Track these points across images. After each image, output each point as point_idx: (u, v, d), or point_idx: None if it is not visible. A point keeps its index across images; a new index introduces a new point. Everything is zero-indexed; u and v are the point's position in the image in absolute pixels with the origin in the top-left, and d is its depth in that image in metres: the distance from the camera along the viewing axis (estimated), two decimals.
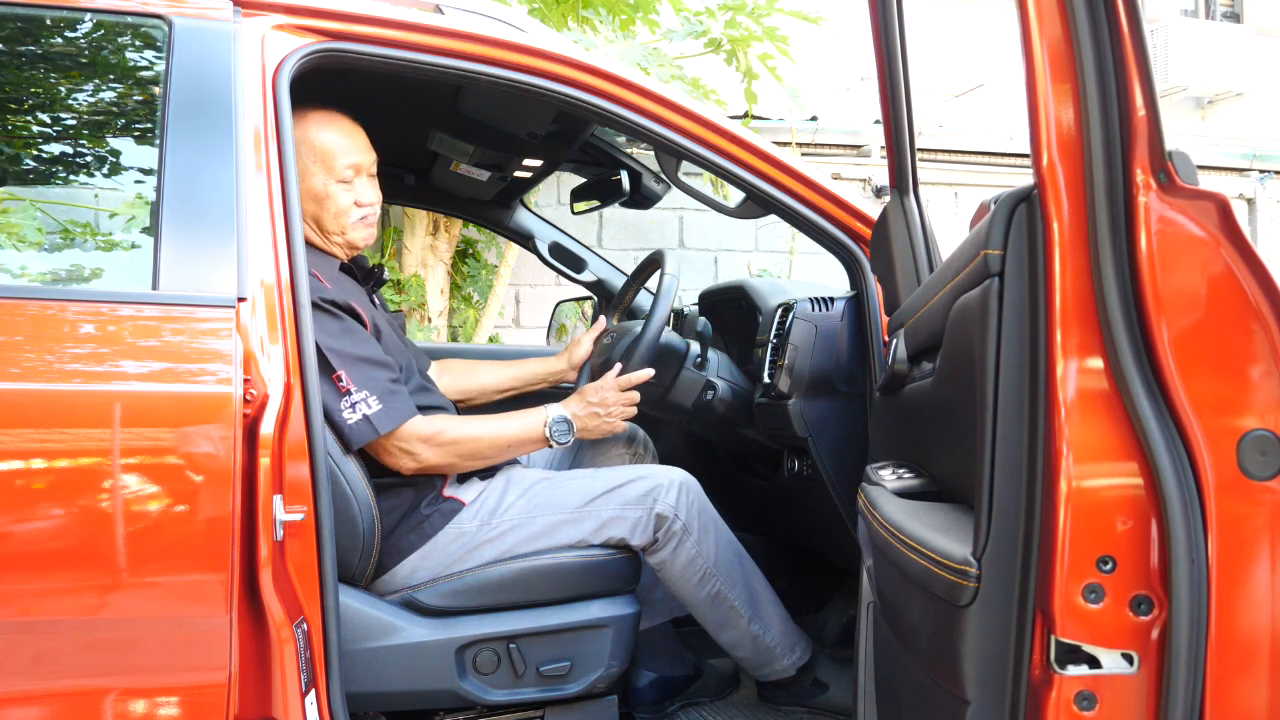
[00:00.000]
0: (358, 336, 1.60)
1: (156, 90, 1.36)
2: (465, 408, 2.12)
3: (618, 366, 1.81)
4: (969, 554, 1.04)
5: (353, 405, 1.55)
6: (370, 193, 1.71)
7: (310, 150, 1.65)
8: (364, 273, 1.79)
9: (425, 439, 1.62)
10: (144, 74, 1.43)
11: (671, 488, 1.73)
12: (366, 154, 1.71)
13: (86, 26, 1.43)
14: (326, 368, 1.53)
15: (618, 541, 1.70)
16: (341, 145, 1.67)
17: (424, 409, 1.66)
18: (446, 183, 2.42)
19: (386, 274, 1.93)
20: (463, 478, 1.80)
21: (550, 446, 1.74)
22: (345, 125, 1.69)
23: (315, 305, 1.53)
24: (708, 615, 1.79)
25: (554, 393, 2.18)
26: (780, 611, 1.86)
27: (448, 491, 1.73)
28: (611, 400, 1.77)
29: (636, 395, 1.81)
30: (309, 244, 1.67)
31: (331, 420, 1.54)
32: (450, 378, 2.10)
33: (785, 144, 5.39)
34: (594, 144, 2.35)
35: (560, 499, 1.72)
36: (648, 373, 1.81)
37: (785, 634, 1.86)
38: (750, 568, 1.83)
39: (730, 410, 1.95)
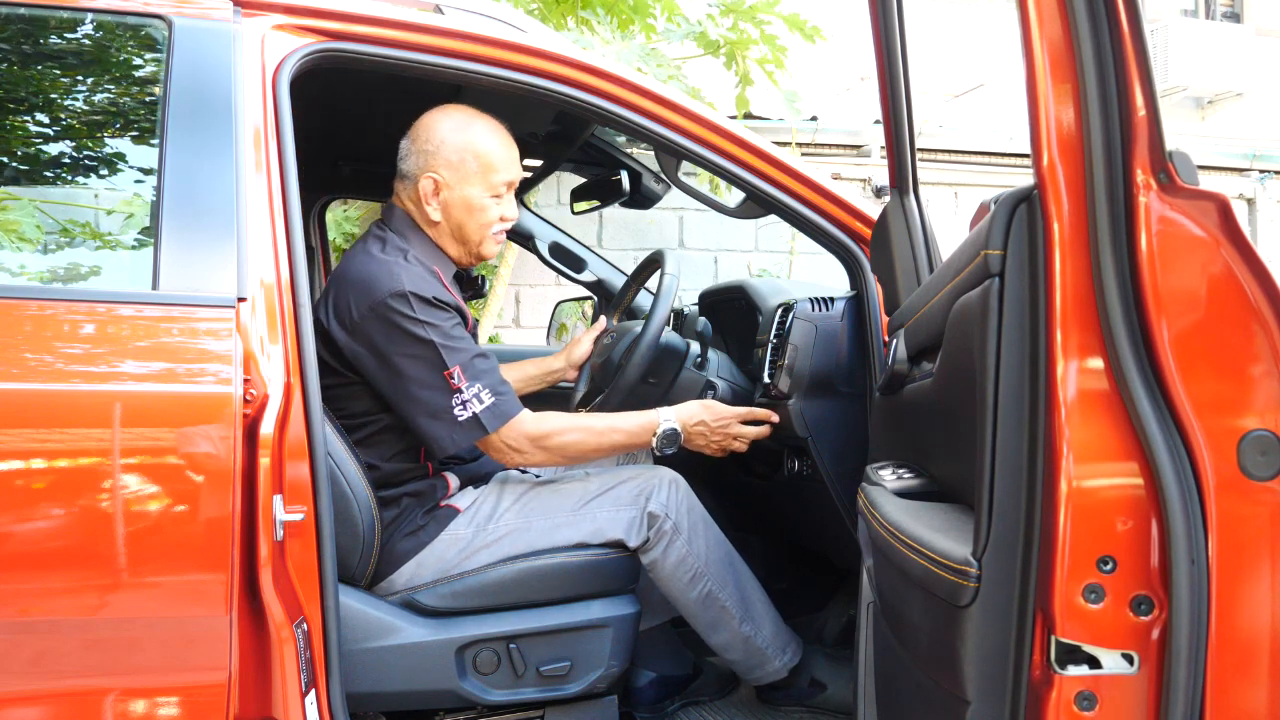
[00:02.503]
0: (465, 332, 1.63)
1: (156, 90, 1.36)
2: None
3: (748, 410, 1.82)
4: (969, 554, 1.04)
5: (463, 403, 1.57)
6: (513, 209, 1.75)
7: (475, 158, 1.66)
8: (467, 280, 1.83)
9: (534, 439, 1.64)
10: (144, 74, 1.43)
11: (662, 486, 1.73)
12: (518, 170, 1.73)
13: (87, 26, 1.43)
14: (439, 363, 1.55)
15: (615, 542, 1.70)
16: (503, 160, 1.69)
17: None
18: None
19: (486, 286, 1.98)
20: (460, 487, 1.81)
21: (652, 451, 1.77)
22: (508, 138, 1.71)
23: (432, 302, 1.57)
24: (699, 616, 1.79)
25: (553, 392, 2.18)
26: (771, 612, 1.86)
27: (445, 501, 1.73)
28: (725, 429, 1.78)
29: (751, 432, 1.81)
30: (439, 248, 1.71)
31: (435, 425, 1.56)
32: None
33: (785, 144, 5.39)
34: (594, 144, 2.35)
35: (555, 503, 1.72)
36: (771, 415, 1.82)
37: (777, 635, 1.85)
38: (741, 568, 1.83)
39: None
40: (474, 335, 1.72)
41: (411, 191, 1.68)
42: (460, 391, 1.56)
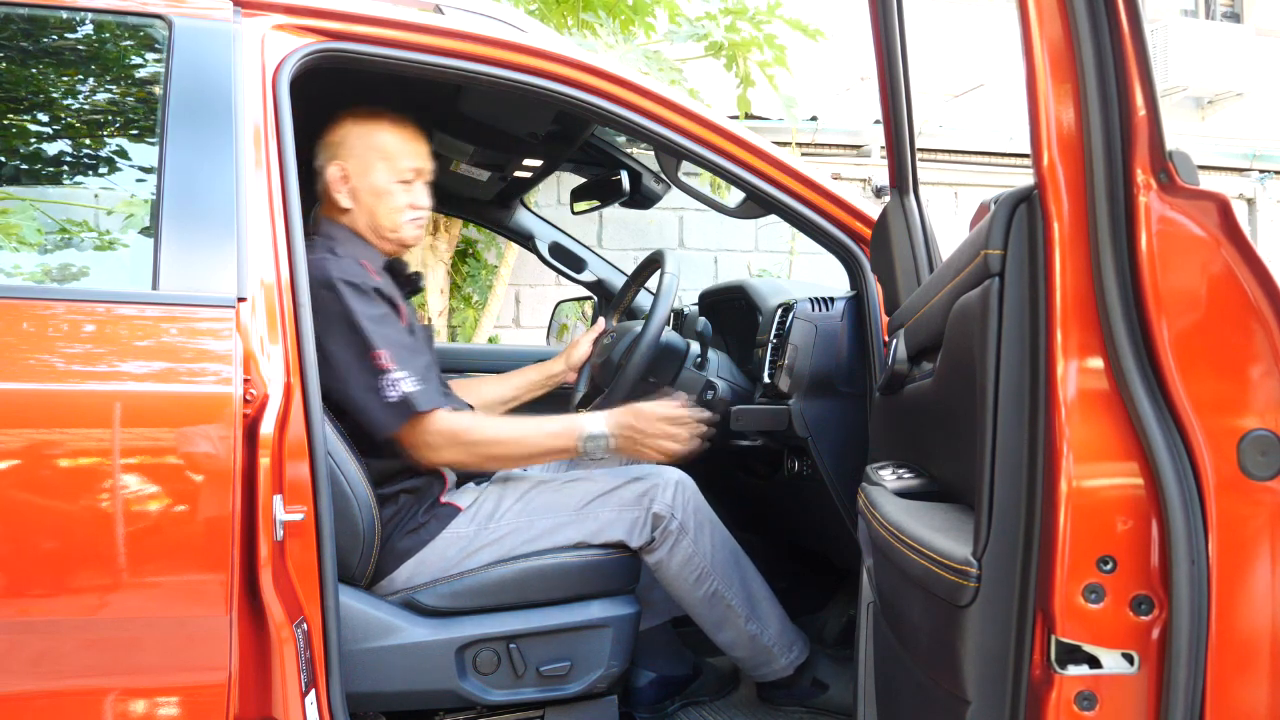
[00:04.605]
0: (397, 324, 1.65)
1: (156, 90, 1.36)
2: None
3: (681, 395, 1.75)
4: (969, 554, 1.04)
5: (392, 383, 1.57)
6: (424, 197, 1.77)
7: (376, 149, 1.71)
8: (402, 278, 1.83)
9: (449, 435, 1.63)
10: (144, 74, 1.43)
11: (667, 487, 1.72)
12: (427, 161, 1.77)
13: (87, 26, 1.42)
14: (366, 345, 1.57)
15: (616, 543, 1.70)
16: (406, 148, 1.73)
17: None
18: (446, 182, 2.41)
19: (422, 283, 2.00)
20: (459, 483, 1.80)
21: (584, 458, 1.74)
22: (412, 131, 1.75)
23: (360, 289, 1.59)
24: (705, 615, 1.79)
25: (555, 392, 2.18)
26: (777, 610, 1.86)
27: (444, 498, 1.73)
28: (652, 431, 1.67)
29: (681, 432, 1.70)
30: (360, 237, 1.74)
31: (368, 407, 1.57)
32: None
33: (785, 144, 5.39)
34: (594, 144, 2.35)
35: (558, 503, 1.72)
36: (703, 413, 1.72)
37: (783, 633, 1.85)
38: (746, 566, 1.83)
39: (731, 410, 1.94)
40: (413, 328, 1.74)
41: (324, 185, 1.73)
42: (389, 372, 1.57)
